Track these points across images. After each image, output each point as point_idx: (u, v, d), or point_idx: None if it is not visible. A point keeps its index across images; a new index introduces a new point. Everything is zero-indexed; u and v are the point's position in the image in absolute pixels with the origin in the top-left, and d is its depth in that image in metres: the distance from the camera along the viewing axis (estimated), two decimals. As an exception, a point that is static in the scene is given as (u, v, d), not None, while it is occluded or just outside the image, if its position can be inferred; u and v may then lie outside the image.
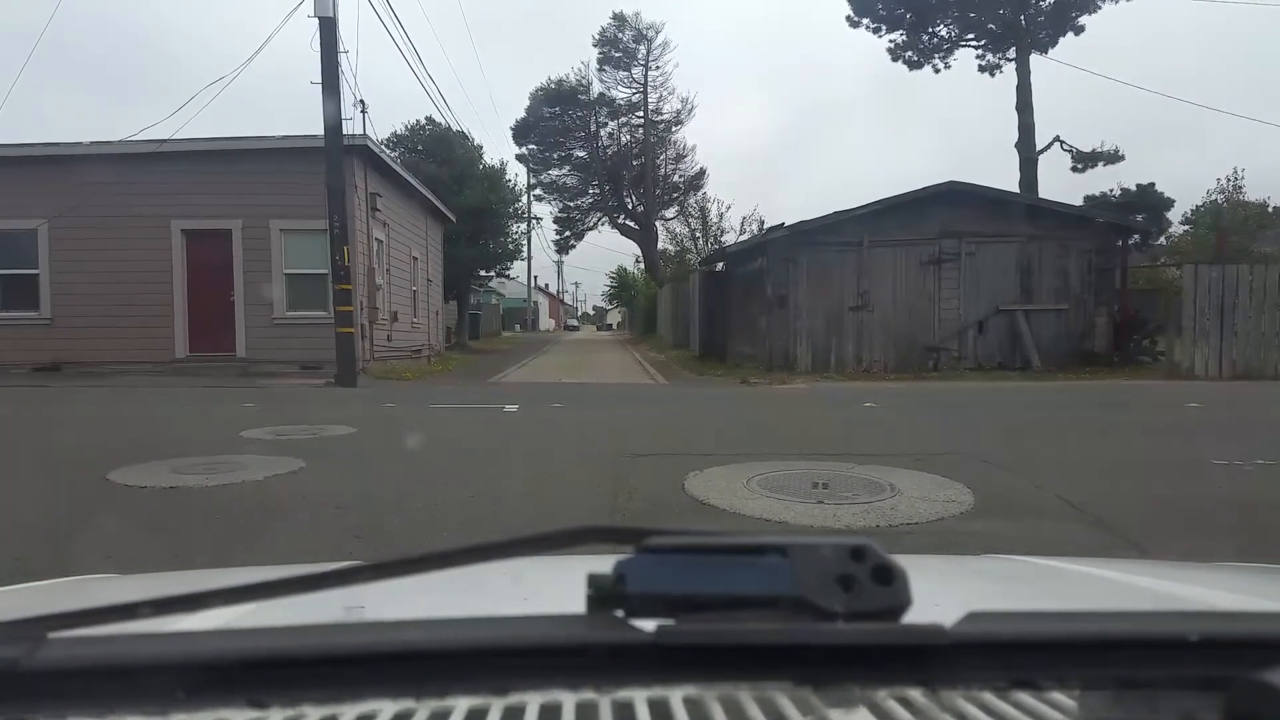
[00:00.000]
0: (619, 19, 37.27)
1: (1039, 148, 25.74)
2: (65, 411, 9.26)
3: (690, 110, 38.78)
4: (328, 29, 11.84)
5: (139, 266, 13.88)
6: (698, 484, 4.59)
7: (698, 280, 21.63)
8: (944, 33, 27.60)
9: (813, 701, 0.47)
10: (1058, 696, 0.48)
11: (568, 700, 0.47)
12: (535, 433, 7.37)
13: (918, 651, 0.49)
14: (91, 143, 14.12)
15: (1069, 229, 14.68)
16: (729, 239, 33.84)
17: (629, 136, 39.07)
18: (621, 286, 51.10)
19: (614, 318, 73.28)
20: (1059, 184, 48.82)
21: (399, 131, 25.18)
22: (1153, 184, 29.92)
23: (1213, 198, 29.73)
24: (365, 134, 15.08)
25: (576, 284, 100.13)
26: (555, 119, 38.38)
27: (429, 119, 24.95)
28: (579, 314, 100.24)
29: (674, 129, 38.97)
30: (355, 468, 5.45)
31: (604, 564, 0.50)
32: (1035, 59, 25.85)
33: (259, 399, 10.01)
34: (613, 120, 38.69)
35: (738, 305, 17.40)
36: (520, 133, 38.83)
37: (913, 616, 0.48)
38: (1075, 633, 0.53)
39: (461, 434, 7.22)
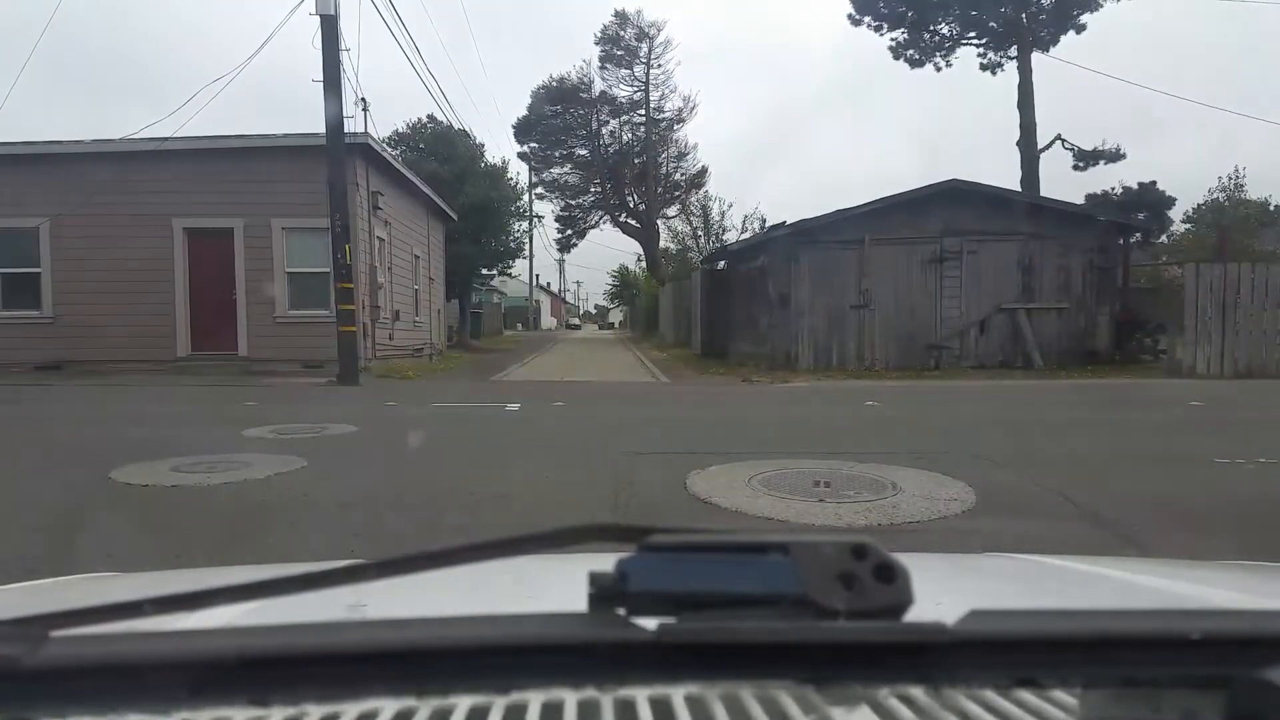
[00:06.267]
0: (621, 16, 37.30)
1: (1040, 146, 25.69)
2: (67, 410, 9.27)
3: (692, 109, 38.82)
4: (329, 27, 11.84)
5: (141, 265, 13.89)
6: (699, 482, 4.59)
7: (699, 279, 21.61)
8: (945, 31, 27.53)
9: (815, 700, 0.47)
10: (1060, 694, 0.48)
11: (570, 699, 0.47)
12: (537, 431, 7.38)
13: (920, 649, 0.49)
14: (93, 141, 14.13)
15: (1070, 227, 14.66)
16: (730, 237, 33.87)
17: (630, 135, 39.10)
18: (623, 285, 51.11)
19: (615, 316, 73.21)
20: (1061, 182, 48.71)
21: (400, 130, 25.18)
22: (1154, 182, 29.77)
23: (1214, 196, 29.72)
24: (367, 132, 15.08)
25: (578, 283, 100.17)
26: (557, 117, 38.38)
27: (430, 117, 24.96)
28: (581, 313, 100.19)
29: (676, 127, 39.02)
30: (357, 466, 5.46)
31: (606, 562, 0.50)
32: (1037, 57, 25.81)
33: (261, 397, 10.02)
34: (614, 118, 38.71)
35: (739, 304, 17.38)
36: (522, 131, 38.84)
37: (915, 614, 0.48)
38: (1077, 631, 0.53)
39: (463, 432, 7.22)
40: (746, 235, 31.33)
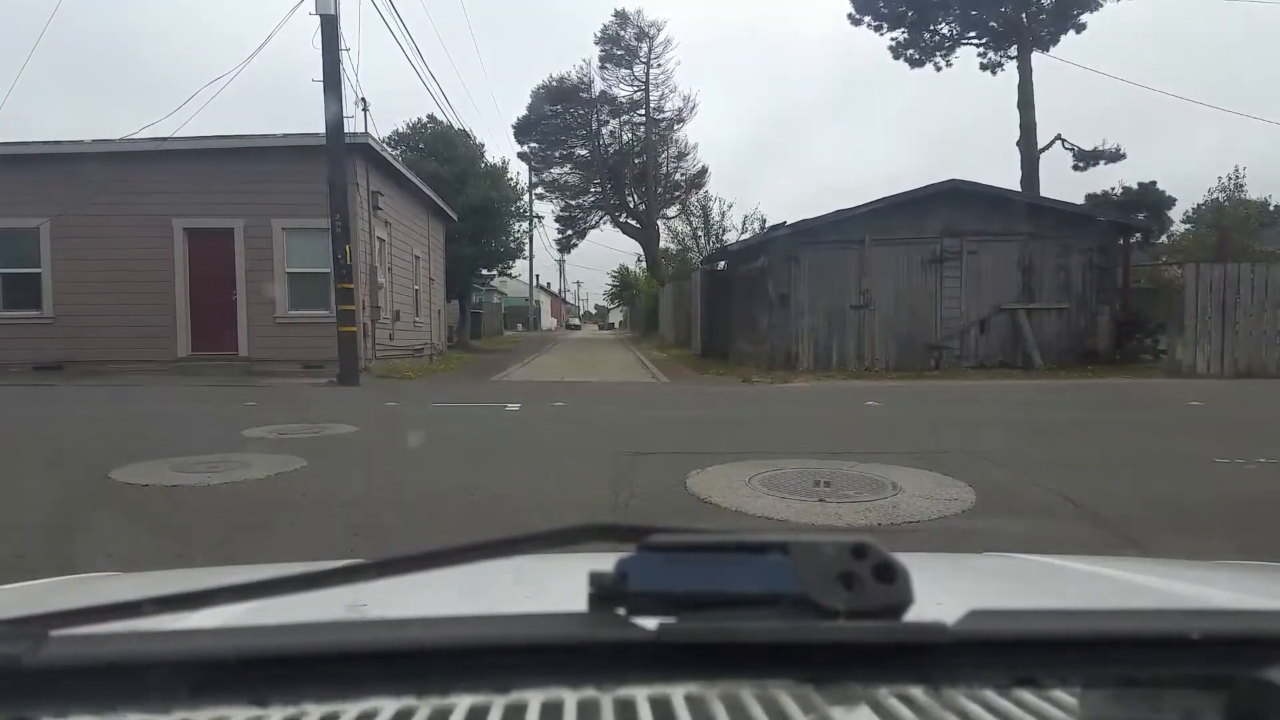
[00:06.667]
0: (621, 16, 37.31)
1: (1041, 146, 25.70)
2: (67, 410, 9.28)
3: (692, 108, 38.88)
4: (329, 26, 11.84)
5: (141, 265, 13.89)
6: (699, 482, 4.59)
7: (699, 279, 21.62)
8: (946, 31, 27.53)
9: (814, 699, 0.47)
10: (1059, 694, 0.48)
11: (569, 698, 0.47)
12: (537, 431, 7.37)
13: (919, 649, 0.49)
14: (93, 141, 14.13)
15: (1071, 228, 14.66)
16: (731, 238, 33.88)
17: (630, 135, 39.14)
18: (623, 285, 51.10)
19: (616, 317, 73.22)
20: (1060, 182, 48.77)
21: (400, 130, 25.16)
22: (1154, 182, 29.78)
23: (1214, 196, 29.68)
24: (367, 132, 15.09)
25: (578, 283, 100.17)
26: (557, 117, 38.42)
27: (430, 117, 24.93)
28: (581, 313, 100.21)
29: (675, 127, 39.06)
30: (357, 466, 5.46)
31: (606, 562, 0.50)
32: (1037, 57, 25.80)
33: (261, 398, 10.02)
34: (614, 118, 38.76)
35: (739, 304, 17.38)
36: (522, 131, 38.86)
37: (914, 614, 0.48)
38: (1077, 630, 0.53)
39: (463, 432, 7.22)
40: (746, 235, 31.36)
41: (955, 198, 14.43)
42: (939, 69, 28.14)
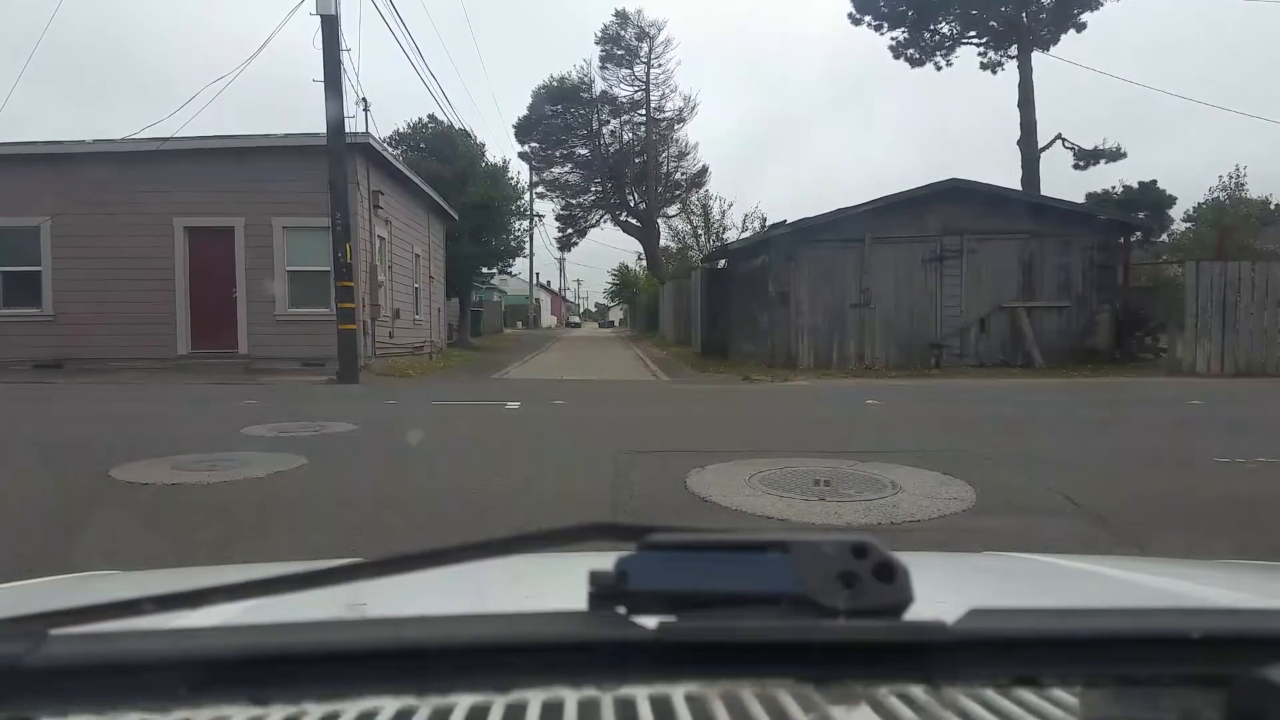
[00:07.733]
0: (621, 16, 37.28)
1: (1041, 145, 25.69)
2: (67, 408, 9.27)
3: (693, 108, 38.85)
4: (329, 27, 11.83)
5: (141, 264, 13.89)
6: (699, 481, 4.59)
7: (700, 277, 21.62)
8: (946, 30, 27.51)
9: (815, 698, 0.47)
10: (1059, 693, 0.48)
11: (570, 697, 0.47)
12: (537, 429, 7.37)
13: (920, 648, 0.49)
14: (94, 141, 14.14)
15: (1071, 226, 14.66)
16: (731, 236, 33.83)
17: (631, 134, 39.12)
18: (623, 284, 51.07)
19: (616, 315, 73.25)
20: (1061, 181, 48.75)
21: (401, 129, 25.21)
22: (1155, 181, 29.80)
23: (1215, 195, 29.72)
24: (368, 132, 15.08)
25: (579, 281, 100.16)
26: (557, 117, 38.39)
27: (431, 117, 24.96)
28: (581, 311, 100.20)
29: (676, 126, 39.03)
30: (357, 465, 5.46)
31: (606, 561, 0.50)
32: (1037, 56, 25.80)
33: (261, 396, 10.01)
34: (615, 118, 38.72)
35: (740, 302, 17.38)
36: (522, 130, 38.84)
37: (914, 613, 0.48)
38: (1077, 630, 0.53)
39: (463, 431, 7.22)
40: (747, 234, 31.29)
41: (955, 196, 14.43)
42: (939, 68, 28.15)
